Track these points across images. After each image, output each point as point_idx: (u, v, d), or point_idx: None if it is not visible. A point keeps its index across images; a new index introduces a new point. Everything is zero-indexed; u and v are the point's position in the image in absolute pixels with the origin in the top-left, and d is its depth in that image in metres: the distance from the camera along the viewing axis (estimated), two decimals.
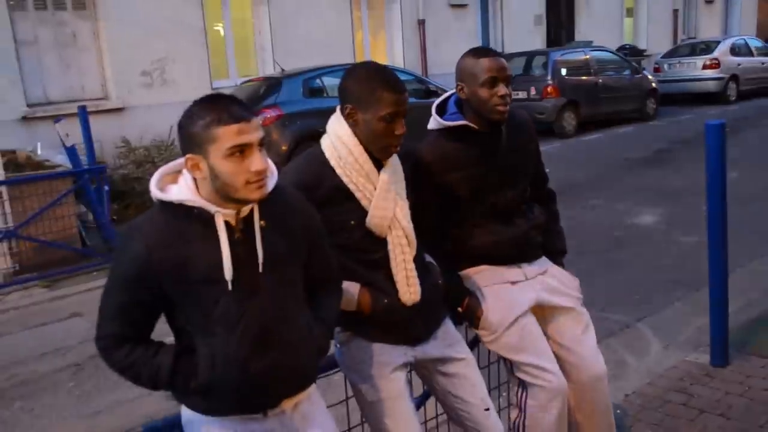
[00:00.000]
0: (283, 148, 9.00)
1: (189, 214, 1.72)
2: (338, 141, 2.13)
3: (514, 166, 2.53)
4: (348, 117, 2.13)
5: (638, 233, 6.67)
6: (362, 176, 2.13)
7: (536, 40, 17.44)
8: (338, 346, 2.30)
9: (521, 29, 17.21)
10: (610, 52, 15.04)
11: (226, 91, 9.75)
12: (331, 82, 10.04)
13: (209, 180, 1.68)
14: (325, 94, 9.90)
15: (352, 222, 2.15)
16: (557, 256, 2.70)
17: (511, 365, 2.52)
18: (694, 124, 13.46)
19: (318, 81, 9.90)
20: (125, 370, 1.78)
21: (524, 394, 2.50)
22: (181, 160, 1.80)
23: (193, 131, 1.66)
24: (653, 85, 14.99)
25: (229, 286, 1.72)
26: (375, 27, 15.14)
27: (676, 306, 4.77)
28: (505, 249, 2.51)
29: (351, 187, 2.12)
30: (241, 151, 1.66)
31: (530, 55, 14.16)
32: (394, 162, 2.20)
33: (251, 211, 1.77)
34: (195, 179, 1.74)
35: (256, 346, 1.76)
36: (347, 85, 2.14)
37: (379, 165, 2.16)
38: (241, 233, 1.75)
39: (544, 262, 2.62)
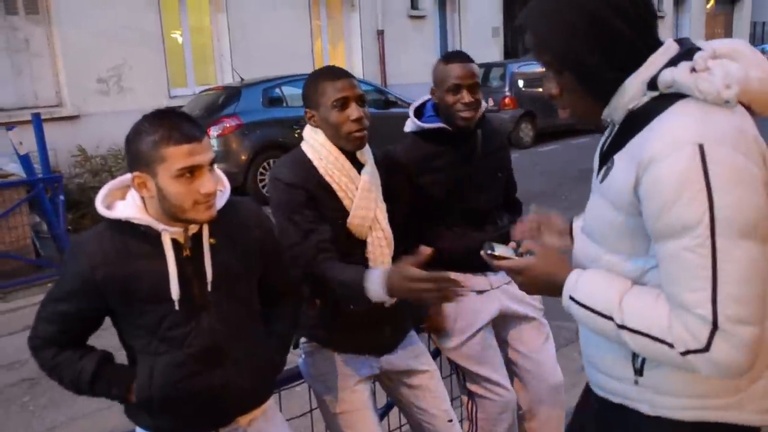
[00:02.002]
0: (243, 158, 8.96)
1: (136, 231, 1.69)
2: (316, 143, 2.14)
3: (487, 171, 2.57)
4: (310, 121, 2.16)
5: None
6: (344, 175, 2.13)
7: (494, 52, 17.70)
8: (303, 356, 2.31)
9: (479, 41, 17.44)
10: None
11: (185, 100, 9.72)
12: (291, 91, 10.03)
13: (156, 199, 1.65)
14: (284, 104, 9.89)
15: (339, 221, 2.15)
16: None
17: (464, 378, 2.56)
18: None
19: (277, 90, 9.89)
20: (51, 371, 1.77)
21: (475, 408, 2.55)
22: (126, 177, 1.77)
23: (141, 149, 1.61)
24: None
25: (176, 306, 1.70)
26: (334, 36, 15.18)
27: None
28: (474, 254, 2.53)
29: (334, 186, 2.12)
30: (191, 172, 1.61)
31: (488, 67, 14.34)
32: (372, 164, 2.21)
33: (200, 228, 1.74)
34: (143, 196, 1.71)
35: (201, 364, 1.74)
36: (303, 93, 2.18)
37: (358, 167, 2.17)
38: (189, 251, 1.72)
39: None
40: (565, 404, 2.68)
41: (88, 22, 10.58)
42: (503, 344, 2.64)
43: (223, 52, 12.67)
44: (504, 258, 1.54)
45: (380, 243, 2.19)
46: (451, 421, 2.36)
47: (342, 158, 2.13)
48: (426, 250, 1.87)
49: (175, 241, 1.70)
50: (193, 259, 1.73)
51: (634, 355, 1.42)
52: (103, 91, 10.89)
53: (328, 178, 2.12)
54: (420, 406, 2.35)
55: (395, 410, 2.56)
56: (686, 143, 1.21)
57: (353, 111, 2.08)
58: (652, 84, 1.31)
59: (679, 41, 1.37)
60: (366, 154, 2.19)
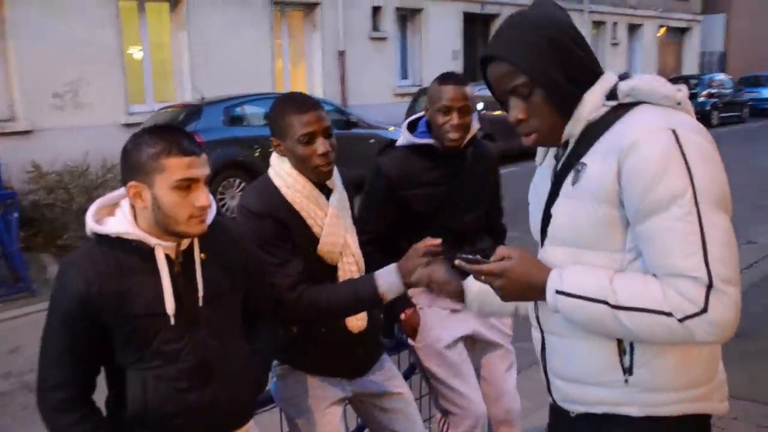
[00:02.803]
0: None
1: (127, 247, 1.69)
2: (283, 172, 2.14)
3: (473, 191, 2.60)
4: (276, 149, 2.15)
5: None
6: (312, 203, 2.13)
7: None
8: (275, 379, 2.29)
9: (439, 63, 17.64)
10: None
11: (144, 116, 9.61)
12: (252, 110, 10.01)
13: (150, 210, 1.67)
14: (245, 123, 9.84)
15: (310, 248, 2.14)
16: None
17: (437, 395, 2.57)
18: None
19: (239, 109, 9.84)
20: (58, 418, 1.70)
21: (446, 425, 2.58)
22: (118, 192, 1.79)
23: (141, 158, 1.64)
24: None
25: (172, 321, 1.70)
26: (296, 56, 15.21)
27: None
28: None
29: (303, 213, 2.12)
30: (188, 185, 1.64)
31: None
32: (340, 188, 2.21)
33: (191, 244, 1.75)
34: (133, 211, 1.71)
35: (195, 379, 1.74)
36: (269, 120, 2.17)
37: (326, 192, 2.16)
38: (180, 266, 1.73)
39: None
40: (528, 425, 2.76)
41: (44, 35, 10.41)
42: None
43: (184, 70, 12.58)
44: (482, 262, 1.52)
45: (350, 268, 2.19)
46: None
47: (309, 186, 2.12)
48: (434, 241, 1.94)
49: (166, 257, 1.71)
50: (184, 274, 1.73)
51: (622, 355, 1.46)
52: (59, 106, 10.71)
53: (296, 206, 2.12)
54: (393, 428, 2.34)
55: None
56: (661, 129, 1.37)
57: (320, 146, 2.06)
58: (611, 95, 1.48)
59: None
60: (334, 180, 2.19)
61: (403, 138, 2.56)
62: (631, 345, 1.46)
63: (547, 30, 1.48)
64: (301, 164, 2.10)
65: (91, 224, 1.71)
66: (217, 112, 9.44)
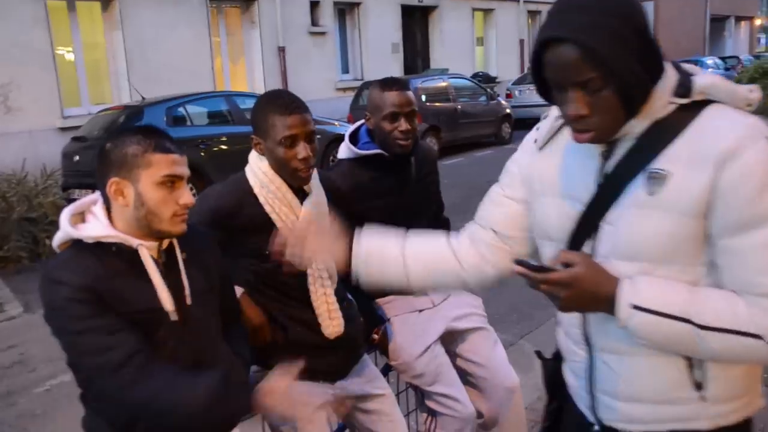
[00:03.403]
0: None
1: (108, 251, 1.64)
2: (259, 171, 2.10)
3: (422, 195, 2.60)
4: (256, 147, 2.11)
5: None
6: (285, 206, 2.09)
7: (394, 67, 17.97)
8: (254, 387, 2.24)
9: (379, 56, 17.67)
10: (466, 79, 15.76)
11: (81, 120, 9.33)
12: (195, 110, 9.82)
13: (132, 208, 1.64)
14: (188, 123, 9.64)
15: (268, 252, 2.10)
16: None
17: (422, 394, 2.56)
18: None
19: (181, 109, 9.62)
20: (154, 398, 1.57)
21: (434, 423, 2.55)
22: (86, 199, 1.74)
23: (126, 154, 1.63)
24: (507, 110, 15.85)
25: (172, 317, 1.68)
26: (234, 53, 15.01)
27: (553, 321, 5.02)
28: None
29: (273, 216, 2.08)
30: (172, 182, 1.65)
31: None
32: (317, 192, 2.17)
33: (170, 243, 1.74)
34: (108, 214, 1.67)
35: None
36: (251, 117, 2.14)
37: (302, 195, 2.13)
38: (163, 266, 1.71)
39: None
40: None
41: None
42: (455, 357, 2.66)
43: (120, 70, 12.26)
44: (547, 269, 1.35)
45: (321, 275, 2.16)
46: None
47: (284, 188, 2.09)
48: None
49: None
50: (167, 274, 1.71)
51: (692, 370, 1.38)
52: None
53: (267, 208, 2.08)
54: (376, 430, 2.33)
55: None
56: (759, 137, 1.26)
57: (302, 150, 2.03)
58: (682, 91, 1.34)
59: None
60: (312, 184, 2.16)
61: (347, 151, 2.51)
62: (701, 359, 1.37)
63: (631, 14, 1.28)
64: (279, 166, 2.07)
65: (69, 230, 1.65)
66: (159, 112, 9.22)
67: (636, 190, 1.34)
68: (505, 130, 15.76)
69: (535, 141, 1.59)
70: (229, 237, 2.05)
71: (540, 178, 1.54)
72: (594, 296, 1.33)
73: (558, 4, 1.33)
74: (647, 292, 1.30)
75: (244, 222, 2.08)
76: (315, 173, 2.17)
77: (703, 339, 1.27)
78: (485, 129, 15.17)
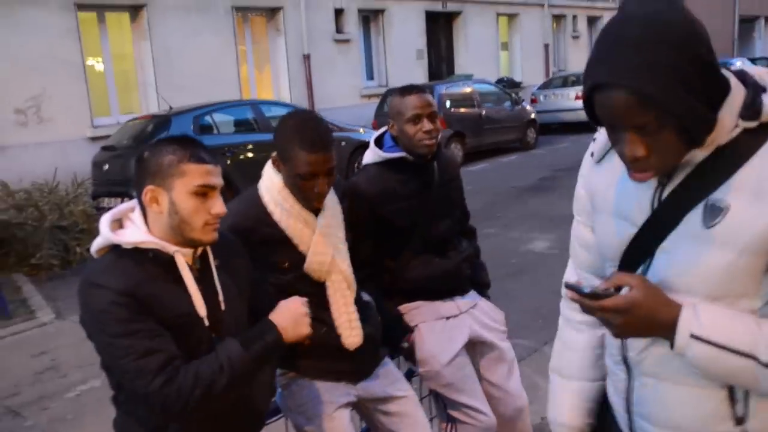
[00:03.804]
0: None
1: (144, 256, 1.69)
2: (273, 189, 2.15)
3: (446, 198, 2.64)
4: (274, 164, 2.17)
5: (534, 259, 6.99)
6: (300, 222, 2.14)
7: (418, 74, 18.00)
8: (279, 389, 2.29)
9: (404, 63, 17.71)
10: (491, 84, 15.76)
11: (110, 129, 9.46)
12: (222, 118, 9.96)
13: (166, 215, 1.69)
14: (216, 131, 9.77)
15: (287, 264, 2.15)
16: (483, 289, 2.82)
17: (444, 403, 2.59)
18: (572, 152, 14.29)
19: (208, 118, 9.76)
20: (194, 387, 1.62)
21: (454, 431, 2.58)
22: (124, 206, 1.80)
23: (161, 163, 1.68)
24: (532, 115, 15.81)
25: (206, 322, 1.73)
26: (260, 61, 15.15)
27: None
28: (440, 281, 2.60)
29: (288, 232, 2.13)
30: (205, 192, 1.69)
31: None
32: (332, 204, 2.21)
33: (204, 250, 1.79)
34: (145, 220, 1.73)
35: None
36: (276, 134, 2.15)
37: (315, 210, 2.17)
38: (197, 272, 1.76)
39: (474, 295, 2.73)
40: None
41: (2, 50, 10.23)
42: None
43: (148, 80, 12.44)
44: (602, 296, 1.25)
45: (340, 285, 2.21)
46: None
47: (297, 207, 2.14)
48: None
49: None
50: (201, 280, 1.76)
51: (733, 404, 1.31)
52: (22, 123, 10.52)
53: (282, 224, 2.13)
54: None
55: None
56: None
57: (319, 185, 2.09)
58: (750, 113, 1.23)
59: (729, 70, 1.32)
60: (326, 199, 2.20)
61: (373, 155, 2.57)
62: (745, 393, 1.30)
63: (689, 43, 1.16)
64: (295, 191, 2.13)
65: (109, 235, 1.71)
66: (186, 121, 9.35)
67: (692, 221, 1.26)
68: (530, 135, 15.71)
69: (592, 154, 1.51)
70: (248, 250, 2.09)
71: (597, 194, 1.48)
72: (652, 322, 1.25)
73: (606, 35, 1.21)
74: (710, 321, 1.23)
75: (262, 238, 2.13)
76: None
77: (766, 376, 1.21)
78: (510, 134, 15.15)
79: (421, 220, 2.55)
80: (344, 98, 15.73)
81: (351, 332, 2.21)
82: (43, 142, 10.52)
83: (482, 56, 20.28)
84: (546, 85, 19.17)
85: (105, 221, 1.75)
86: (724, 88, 1.23)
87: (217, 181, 1.72)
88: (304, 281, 2.17)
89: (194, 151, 1.71)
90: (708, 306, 1.24)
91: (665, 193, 1.31)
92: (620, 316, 1.24)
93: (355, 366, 2.28)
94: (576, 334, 1.67)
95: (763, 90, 1.25)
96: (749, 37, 35.58)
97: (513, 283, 6.22)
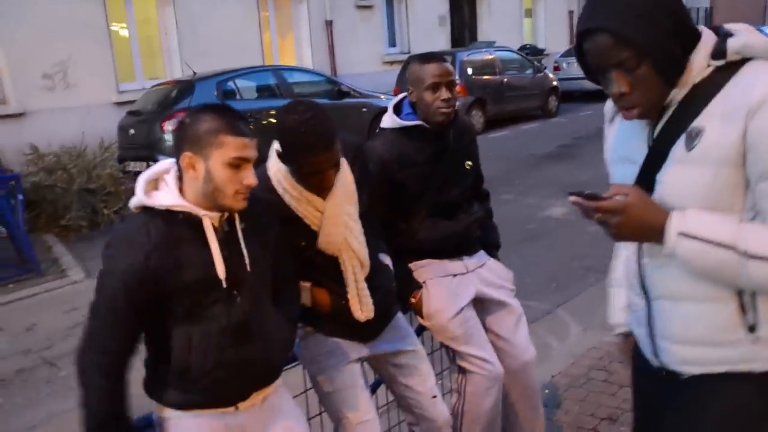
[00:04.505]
0: None
1: (174, 218, 1.81)
2: (279, 174, 2.21)
3: (459, 165, 2.73)
4: (279, 157, 2.19)
5: (550, 225, 7.08)
6: (309, 205, 2.21)
7: (441, 40, 17.90)
8: (298, 340, 2.43)
9: (426, 30, 17.61)
10: (513, 51, 15.64)
11: (135, 94, 9.60)
12: (245, 84, 10.05)
13: (201, 181, 1.79)
14: (238, 97, 9.88)
15: (303, 243, 2.24)
16: (493, 250, 2.92)
17: (453, 354, 2.72)
18: (594, 120, 14.16)
19: (231, 84, 9.86)
20: (89, 392, 1.81)
21: (464, 381, 2.70)
22: (159, 167, 1.90)
23: (200, 132, 1.77)
24: (554, 83, 15.68)
25: (224, 284, 1.84)
26: (282, 27, 15.15)
27: (590, 291, 5.12)
28: (450, 242, 2.70)
29: (299, 214, 2.21)
30: (238, 164, 1.78)
31: None
32: (341, 182, 2.23)
33: (232, 214, 1.89)
34: (179, 183, 1.83)
35: (234, 338, 1.88)
36: (277, 131, 2.12)
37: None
38: (225, 234, 1.87)
39: (482, 256, 2.83)
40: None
41: (29, 16, 10.35)
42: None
43: (172, 46, 12.54)
44: (600, 198, 1.44)
45: (352, 262, 2.29)
46: (435, 397, 2.51)
47: (305, 193, 2.20)
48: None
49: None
50: (228, 242, 1.87)
51: (744, 313, 1.46)
52: (49, 87, 10.68)
53: (293, 207, 2.20)
54: (406, 384, 2.49)
55: (384, 387, 2.70)
56: None
57: (326, 179, 2.15)
58: (718, 54, 1.44)
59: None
60: (336, 175, 2.23)
61: (390, 121, 2.65)
62: (754, 301, 1.45)
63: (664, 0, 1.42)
64: (301, 182, 2.17)
65: (142, 198, 1.83)
66: (210, 87, 9.47)
67: (677, 148, 1.47)
68: (552, 103, 15.62)
69: (605, 117, 1.75)
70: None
71: (609, 148, 1.71)
72: (644, 224, 1.43)
73: None
74: (695, 221, 1.40)
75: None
76: (343, 162, 2.25)
77: (746, 267, 1.36)
78: (531, 102, 15.08)
79: (433, 186, 2.64)
80: (366, 65, 15.73)
81: (361, 307, 2.31)
82: (70, 107, 10.68)
83: (505, 23, 20.08)
84: (569, 53, 18.93)
85: (141, 182, 1.86)
86: (694, 35, 1.46)
87: (252, 153, 1.79)
88: (320, 255, 2.27)
89: (233, 122, 1.77)
90: (696, 210, 1.42)
91: (657, 131, 1.53)
92: (615, 216, 1.43)
93: (366, 329, 2.40)
94: (623, 249, 1.82)
95: (731, 36, 1.46)
96: None
97: (529, 248, 6.33)
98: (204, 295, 1.83)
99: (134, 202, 1.86)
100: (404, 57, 15.29)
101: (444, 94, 2.53)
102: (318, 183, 2.16)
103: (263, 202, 2.05)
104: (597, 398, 3.55)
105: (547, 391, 3.63)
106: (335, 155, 2.12)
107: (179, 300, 1.82)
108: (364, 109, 10.89)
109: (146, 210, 1.83)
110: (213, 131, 1.76)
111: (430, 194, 2.65)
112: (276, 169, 2.22)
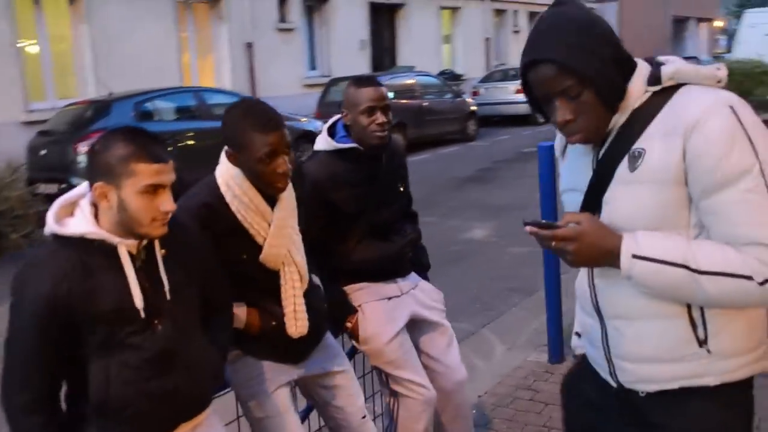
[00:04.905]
0: None
1: (89, 247, 1.73)
2: (232, 181, 2.17)
3: (392, 186, 2.74)
4: (229, 158, 2.16)
5: (473, 247, 7.19)
6: (257, 214, 2.18)
7: (362, 64, 18.08)
8: (228, 365, 2.36)
9: (347, 53, 17.76)
10: (433, 76, 15.96)
11: (46, 114, 9.26)
12: (163, 105, 9.88)
13: (115, 211, 1.72)
14: (157, 118, 9.69)
15: (245, 256, 2.20)
16: (423, 271, 2.94)
17: (386, 377, 2.71)
18: (512, 144, 14.64)
19: (149, 105, 9.68)
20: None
21: (396, 405, 2.69)
22: (75, 192, 1.82)
23: (110, 160, 1.69)
24: (472, 108, 16.09)
25: (141, 314, 1.76)
26: (202, 48, 14.98)
27: (513, 311, 5.22)
28: (385, 264, 2.70)
29: (245, 224, 2.17)
30: (154, 190, 1.70)
31: None
32: (287, 195, 2.25)
33: (151, 240, 1.81)
34: (94, 209, 1.76)
35: (156, 368, 1.80)
36: (224, 129, 2.16)
37: (272, 200, 2.21)
38: (142, 262, 1.79)
39: (414, 277, 2.85)
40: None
41: None
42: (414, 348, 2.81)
43: (86, 64, 12.18)
44: (554, 226, 1.50)
45: (292, 276, 2.27)
46: (364, 417, 2.49)
47: (257, 199, 2.16)
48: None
49: (128, 253, 1.76)
50: (147, 269, 1.79)
51: (695, 328, 1.51)
52: None
53: (239, 216, 2.16)
54: (335, 404, 2.47)
55: (315, 412, 2.66)
56: (720, 106, 1.43)
57: (281, 164, 2.09)
58: (653, 80, 1.53)
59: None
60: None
61: (324, 143, 2.63)
62: (703, 317, 1.50)
63: (595, 27, 1.51)
64: (257, 179, 2.14)
65: (53, 226, 1.74)
66: (127, 108, 9.24)
67: (621, 170, 1.53)
68: (470, 127, 16.00)
69: (556, 152, 1.83)
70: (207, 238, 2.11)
71: (561, 179, 1.79)
72: (599, 249, 1.48)
73: (534, 28, 1.56)
74: (646, 242, 1.46)
75: (221, 228, 2.16)
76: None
77: (700, 283, 1.41)
78: (451, 126, 15.39)
79: (367, 208, 2.64)
80: (287, 87, 15.70)
81: (296, 323, 2.28)
82: None
83: (424, 48, 20.48)
84: (487, 79, 19.49)
85: (53, 209, 1.77)
86: (631, 63, 1.55)
87: (168, 178, 1.72)
88: (258, 270, 2.23)
89: (146, 147, 1.69)
90: (646, 233, 1.48)
91: (600, 155, 1.60)
92: (571, 243, 1.49)
93: (297, 350, 2.36)
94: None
95: (663, 64, 1.56)
96: (681, 36, 36.85)
97: (453, 269, 6.39)
98: (121, 326, 1.75)
99: (46, 230, 1.77)
100: (325, 80, 15.36)
101: (379, 118, 2.53)
102: (273, 171, 2.09)
103: (189, 228, 1.99)
104: (524, 417, 3.59)
105: (474, 411, 3.65)
106: (286, 136, 2.10)
107: (95, 330, 1.74)
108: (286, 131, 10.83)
109: (59, 238, 1.75)
110: (123, 159, 1.68)
111: (366, 215, 2.65)
112: (227, 174, 2.17)
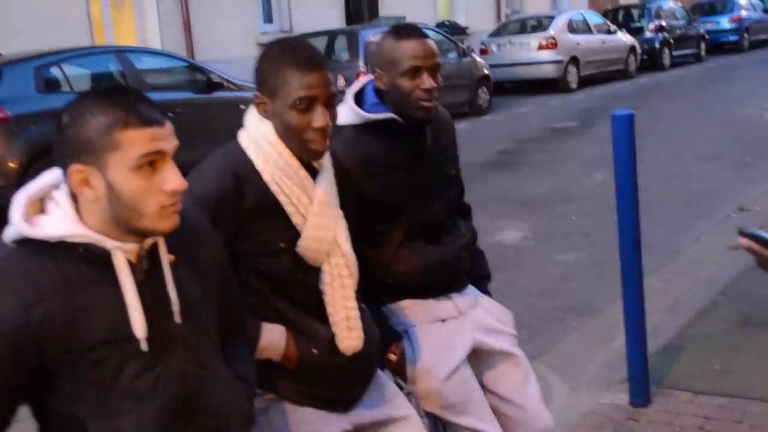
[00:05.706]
0: (12, 165, 8.56)
1: (72, 253, 1.65)
2: (263, 140, 2.16)
3: (440, 172, 2.70)
4: (259, 107, 2.17)
5: (506, 254, 7.12)
6: (296, 185, 2.16)
7: (332, 16, 18.11)
8: (256, 415, 2.30)
9: (312, 3, 17.74)
10: (431, 29, 15.93)
11: None
12: (75, 71, 9.82)
13: (104, 202, 1.64)
14: (66, 88, 9.61)
15: (282, 244, 2.17)
16: (482, 282, 2.90)
17: (444, 427, 2.68)
18: (537, 118, 14.76)
19: (55, 70, 9.60)
20: None
21: None
22: (41, 181, 1.74)
23: (85, 134, 1.61)
24: (485, 71, 16.09)
25: (143, 346, 1.68)
26: None
27: (572, 338, 5.21)
28: (435, 275, 2.65)
29: (281, 198, 2.15)
30: (151, 162, 1.63)
31: (331, 35, 14.59)
32: (329, 170, 2.24)
33: (154, 242, 1.73)
34: (75, 203, 1.68)
35: (176, 418, 1.75)
36: (258, 67, 2.20)
37: (312, 172, 2.20)
38: (145, 273, 1.72)
39: (472, 291, 2.81)
40: None
41: None
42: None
43: None
44: None
45: (340, 272, 2.24)
46: None
47: (296, 164, 2.16)
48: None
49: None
50: (150, 284, 1.72)
51: None
52: None
53: (274, 187, 2.14)
54: None
55: None
56: None
57: (319, 117, 2.11)
58: None
59: None
60: (324, 158, 2.23)
61: (351, 115, 2.58)
62: None
63: None
64: (289, 135, 2.13)
65: (22, 227, 1.64)
66: (25, 74, 9.14)
67: None
68: (482, 96, 16.05)
69: None
70: (225, 231, 2.08)
71: None
72: None
73: None
74: None
75: (246, 209, 2.13)
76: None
77: None
78: (457, 95, 15.23)
79: (410, 200, 2.60)
80: (235, 47, 15.59)
81: (349, 333, 2.24)
82: None
83: None
84: (499, 32, 19.56)
85: (19, 203, 1.67)
86: None
87: (167, 144, 1.65)
88: (295, 267, 2.19)
89: (130, 109, 1.62)
90: None
91: None
92: None
93: (347, 388, 2.32)
94: None
95: None
96: None
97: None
98: (119, 365, 1.68)
99: (10, 233, 1.67)
100: (285, 36, 15.29)
101: (426, 81, 2.49)
102: (308, 125, 2.10)
103: (200, 220, 1.93)
104: None
105: None
106: (331, 84, 2.14)
107: (85, 373, 1.66)
108: (242, 106, 10.72)
109: (27, 243, 1.65)
110: (103, 128, 1.60)
111: (408, 210, 2.60)
112: (258, 134, 2.18)
